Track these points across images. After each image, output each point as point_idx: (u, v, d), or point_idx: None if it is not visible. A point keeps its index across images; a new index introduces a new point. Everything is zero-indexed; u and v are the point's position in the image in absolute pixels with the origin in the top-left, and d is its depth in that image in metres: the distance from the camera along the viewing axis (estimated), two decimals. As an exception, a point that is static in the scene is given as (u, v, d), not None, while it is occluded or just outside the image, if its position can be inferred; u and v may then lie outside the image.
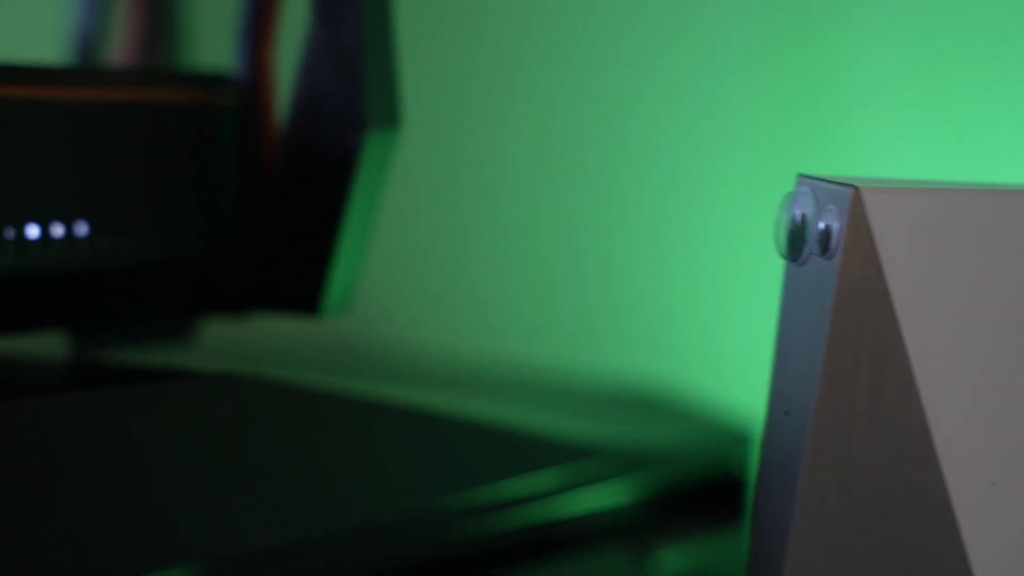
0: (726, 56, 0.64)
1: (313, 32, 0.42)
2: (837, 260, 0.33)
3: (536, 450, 0.45)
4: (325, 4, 0.42)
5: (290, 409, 0.42)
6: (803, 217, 0.34)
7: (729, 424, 0.52)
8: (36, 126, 0.39)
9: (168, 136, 0.42)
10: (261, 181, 0.43)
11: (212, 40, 0.61)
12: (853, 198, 0.33)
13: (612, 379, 0.58)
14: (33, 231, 0.39)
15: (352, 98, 0.42)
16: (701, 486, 0.50)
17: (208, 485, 0.38)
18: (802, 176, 0.34)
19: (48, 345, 0.44)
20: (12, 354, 0.44)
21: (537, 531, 0.43)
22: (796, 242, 0.34)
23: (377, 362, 0.58)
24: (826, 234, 0.33)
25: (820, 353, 0.33)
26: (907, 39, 0.61)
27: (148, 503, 0.36)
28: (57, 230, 0.39)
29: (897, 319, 0.32)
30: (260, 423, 0.41)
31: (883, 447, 0.33)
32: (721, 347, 0.64)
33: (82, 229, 0.40)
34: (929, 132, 0.61)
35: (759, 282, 0.62)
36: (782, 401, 0.35)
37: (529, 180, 0.68)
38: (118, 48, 0.57)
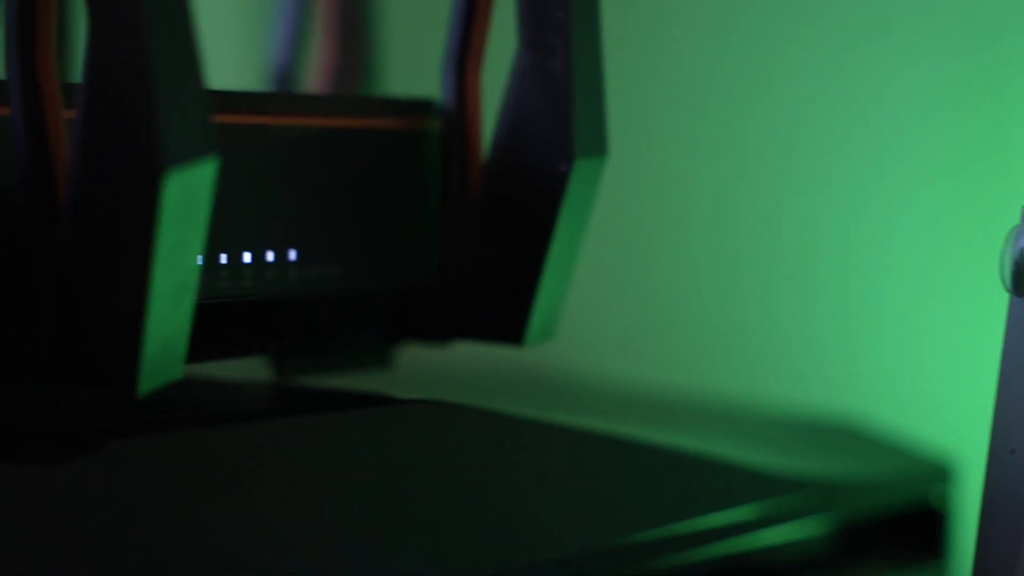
0: (925, 88, 0.64)
1: (521, 59, 0.42)
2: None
3: (734, 482, 0.45)
4: (534, 31, 0.42)
5: (491, 437, 0.42)
6: (1033, 251, 0.33)
7: (929, 458, 0.51)
8: (249, 152, 0.39)
9: (375, 163, 0.42)
10: (464, 209, 0.43)
11: (404, 68, 0.62)
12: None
13: (809, 412, 0.57)
14: (246, 257, 0.39)
15: (561, 126, 0.41)
16: (900, 520, 0.49)
17: (411, 514, 0.38)
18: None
19: (254, 370, 0.45)
20: (220, 378, 0.44)
21: (736, 562, 0.43)
22: (1022, 276, 0.33)
23: (574, 392, 0.58)
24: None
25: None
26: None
27: (353, 530, 0.36)
28: (268, 256, 0.40)
29: None
30: (462, 450, 0.41)
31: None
32: (919, 381, 0.63)
33: (292, 256, 0.40)
34: None
35: (957, 316, 0.61)
36: (1007, 439, 0.34)
37: (723, 214, 0.68)
38: (313, 77, 0.58)
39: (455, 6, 0.43)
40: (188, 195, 0.32)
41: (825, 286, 0.66)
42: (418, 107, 0.43)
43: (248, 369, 0.45)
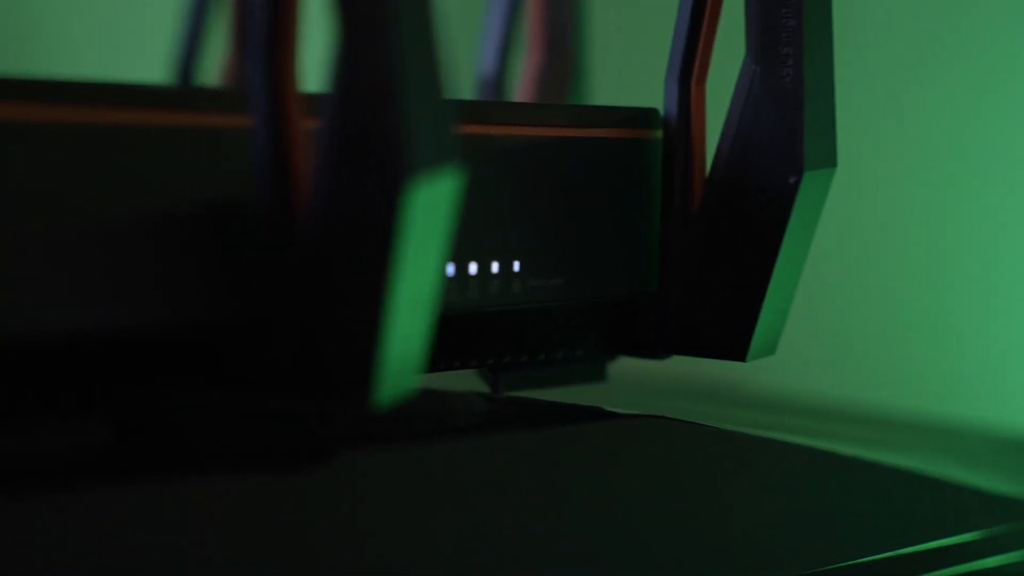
0: None
1: (749, 69, 0.41)
2: None
3: (959, 505, 0.44)
4: (764, 41, 0.41)
5: (712, 453, 0.42)
6: None
7: None
8: (475, 162, 0.39)
9: (598, 173, 0.42)
10: (686, 221, 0.43)
11: (612, 76, 0.61)
12: None
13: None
14: (472, 268, 0.39)
15: (790, 137, 0.41)
16: None
17: (636, 530, 0.37)
18: None
19: (470, 381, 0.44)
20: (438, 390, 0.44)
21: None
22: None
23: (784, 408, 0.57)
24: None
25: None
26: None
27: (571, 545, 0.36)
28: (493, 267, 0.39)
29: None
30: (683, 466, 0.41)
31: None
32: None
33: (515, 267, 0.40)
34: None
35: None
36: None
37: (934, 225, 0.66)
38: (521, 86, 0.58)
39: (680, 15, 0.42)
40: (433, 204, 0.32)
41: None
42: (642, 116, 0.43)
43: (464, 381, 0.45)
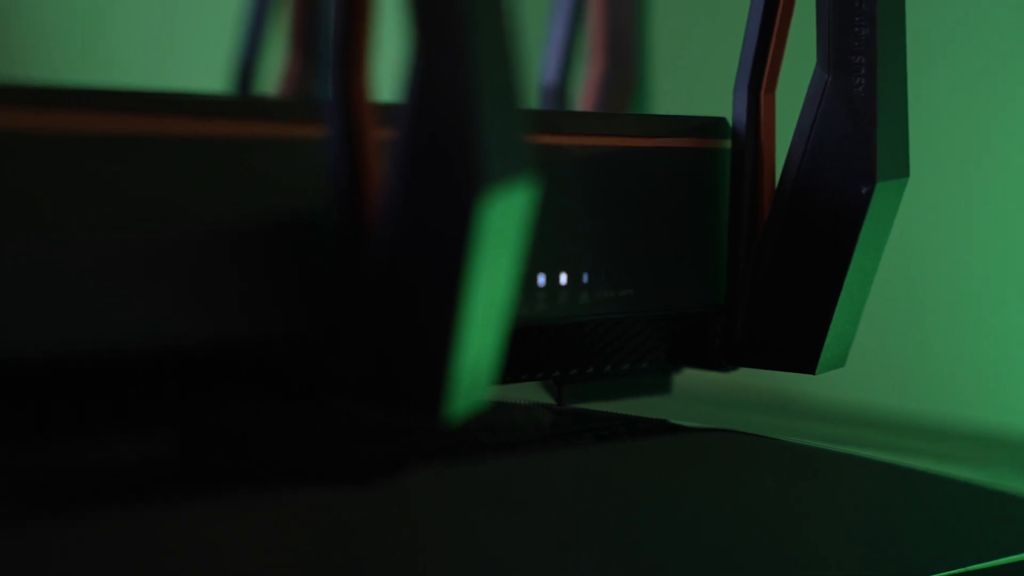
0: None
1: (820, 78, 0.41)
2: None
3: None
4: (836, 50, 0.40)
5: (781, 466, 0.41)
6: None
7: None
8: (544, 172, 0.38)
9: (666, 183, 0.41)
10: (755, 231, 0.42)
11: (674, 85, 0.61)
12: None
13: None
14: (540, 279, 0.38)
15: (863, 148, 0.40)
16: None
17: (705, 544, 0.37)
18: None
19: (535, 393, 0.44)
20: (504, 401, 0.44)
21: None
22: None
23: (856, 421, 0.57)
24: None
25: None
26: None
27: (638, 561, 0.35)
28: (562, 279, 0.39)
29: None
30: (753, 479, 0.40)
31: None
32: None
33: (584, 278, 0.39)
34: None
35: None
36: None
37: (999, 236, 0.66)
38: (584, 95, 0.57)
39: (750, 24, 0.42)
40: (508, 216, 0.32)
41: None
42: (710, 126, 0.42)
43: (528, 392, 0.44)
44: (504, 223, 0.32)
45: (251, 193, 0.33)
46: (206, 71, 0.76)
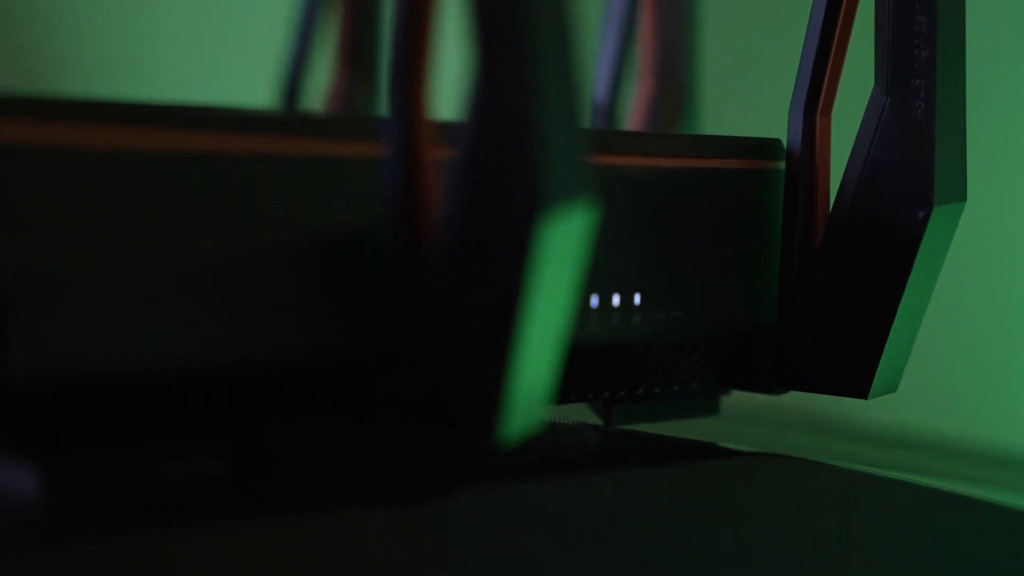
0: None
1: (877, 100, 0.40)
2: None
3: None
4: (895, 72, 0.40)
5: (833, 491, 0.41)
6: None
7: None
8: (599, 193, 0.38)
9: (719, 204, 0.41)
10: (808, 254, 0.42)
11: (724, 106, 0.60)
12: None
13: None
14: (593, 301, 0.38)
15: (920, 171, 0.40)
16: None
17: (756, 570, 0.36)
18: None
19: (583, 413, 0.44)
20: (552, 422, 0.43)
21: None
22: None
23: (907, 445, 0.56)
24: None
25: None
26: None
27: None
28: (615, 300, 0.39)
29: None
30: (805, 505, 0.40)
31: None
32: None
33: (636, 300, 0.39)
34: None
35: None
36: None
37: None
38: (632, 113, 0.57)
39: (807, 44, 0.42)
40: (567, 238, 0.31)
41: None
42: (765, 147, 0.42)
43: (575, 413, 0.44)
44: (563, 245, 0.31)
45: (305, 213, 0.32)
46: (250, 87, 0.76)
